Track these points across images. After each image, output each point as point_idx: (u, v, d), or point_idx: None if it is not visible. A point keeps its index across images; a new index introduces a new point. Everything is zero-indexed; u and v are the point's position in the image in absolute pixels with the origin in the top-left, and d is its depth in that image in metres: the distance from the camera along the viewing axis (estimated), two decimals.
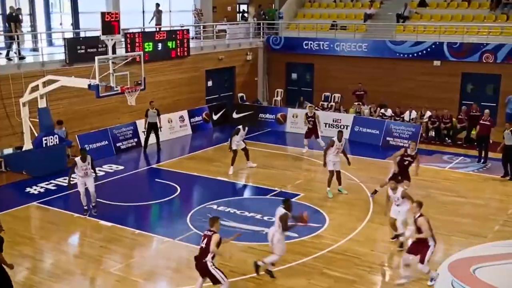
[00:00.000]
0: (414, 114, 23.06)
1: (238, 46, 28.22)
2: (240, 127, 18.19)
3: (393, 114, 23.34)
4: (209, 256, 9.74)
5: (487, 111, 20.17)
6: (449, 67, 24.48)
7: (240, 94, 27.66)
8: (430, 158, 20.11)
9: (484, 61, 23.65)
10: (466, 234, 13.30)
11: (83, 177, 14.09)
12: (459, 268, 11.53)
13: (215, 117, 25.21)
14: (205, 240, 9.79)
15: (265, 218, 14.12)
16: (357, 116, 23.57)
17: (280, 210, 10.98)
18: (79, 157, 14.06)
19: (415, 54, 25.21)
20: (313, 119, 20.34)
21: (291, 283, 10.96)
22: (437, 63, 24.82)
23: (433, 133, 22.43)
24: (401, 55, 25.52)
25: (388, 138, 21.74)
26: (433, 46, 24.74)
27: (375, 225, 13.91)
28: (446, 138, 22.13)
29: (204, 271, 9.91)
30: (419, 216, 10.79)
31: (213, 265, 9.83)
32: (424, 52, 25.00)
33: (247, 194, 16.96)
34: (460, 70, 24.41)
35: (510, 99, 22.84)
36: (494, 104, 23.46)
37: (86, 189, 14.19)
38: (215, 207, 14.96)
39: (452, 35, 25.09)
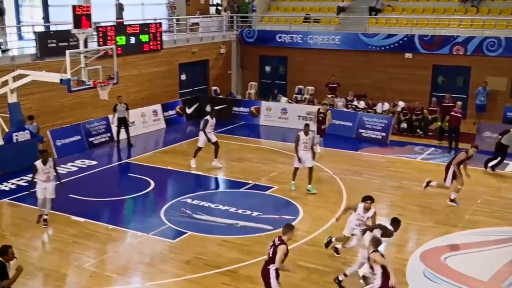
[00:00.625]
0: (386, 106, 23.32)
1: (212, 40, 28.14)
2: (208, 117, 17.88)
3: (366, 106, 23.58)
4: (273, 265, 9.18)
5: (459, 103, 20.52)
6: (420, 59, 24.74)
7: (213, 88, 27.60)
8: (402, 149, 20.38)
9: (455, 53, 23.95)
10: (437, 224, 13.52)
11: (45, 181, 13.14)
12: (431, 258, 11.71)
13: (188, 111, 25.13)
14: (272, 249, 9.20)
15: (239, 211, 14.18)
16: (331, 109, 23.66)
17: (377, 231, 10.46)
18: (39, 160, 13.17)
19: (387, 47, 25.42)
20: (323, 116, 19.65)
21: None
22: (408, 55, 25.07)
23: (405, 124, 22.69)
24: (374, 47, 25.71)
25: (360, 130, 21.93)
26: (405, 39, 24.97)
27: (348, 217, 13.98)
28: (418, 130, 22.41)
29: (264, 278, 9.31)
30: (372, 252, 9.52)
31: (276, 276, 9.21)
32: (396, 44, 25.22)
33: (221, 187, 16.99)
34: (431, 62, 24.68)
35: (479, 91, 23.20)
36: (465, 96, 23.78)
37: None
38: (189, 201, 14.95)
39: (424, 28, 25.36)
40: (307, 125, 15.83)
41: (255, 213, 14.07)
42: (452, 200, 14.65)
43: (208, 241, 12.55)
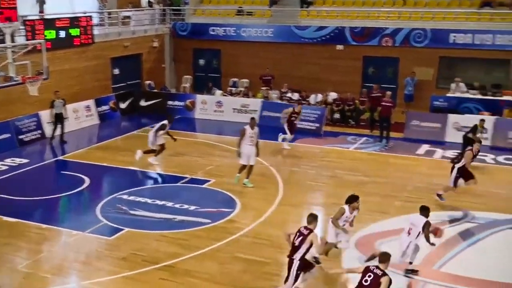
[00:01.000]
0: (319, 97, 23.75)
1: (144, 33, 27.78)
2: (165, 121, 17.55)
3: (300, 98, 23.93)
4: (299, 255, 9.37)
5: (388, 92, 21.13)
6: (351, 51, 25.27)
7: (147, 82, 27.29)
8: (336, 139, 20.84)
9: (384, 44, 24.63)
10: (370, 211, 13.86)
11: None
12: (365, 244, 12.07)
13: (123, 106, 24.77)
14: (299, 239, 9.35)
15: (177, 205, 14.15)
16: (265, 101, 23.94)
17: (421, 218, 10.62)
18: None
19: (319, 39, 25.83)
20: (297, 116, 19.72)
21: (205, 269, 11.06)
22: (340, 47, 25.56)
23: (338, 115, 23.18)
24: (306, 40, 26.06)
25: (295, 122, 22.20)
26: (336, 31, 25.43)
27: (285, 208, 14.25)
28: (350, 120, 22.95)
29: (288, 267, 9.51)
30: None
31: (298, 268, 9.42)
32: (328, 36, 25.66)
33: (158, 182, 16.86)
34: (361, 54, 25.26)
35: (407, 81, 23.96)
36: (394, 86, 24.50)
37: None
38: (125, 197, 14.79)
39: (354, 20, 25.90)
40: (253, 118, 15.76)
41: (192, 207, 14.07)
42: (439, 195, 14.52)
43: (146, 237, 12.47)
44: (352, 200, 11.07)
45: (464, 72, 23.78)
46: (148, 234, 12.62)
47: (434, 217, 13.29)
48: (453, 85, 22.99)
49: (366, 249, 11.77)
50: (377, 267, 8.48)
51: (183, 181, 16.21)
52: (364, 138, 20.90)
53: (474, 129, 18.30)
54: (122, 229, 12.83)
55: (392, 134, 20.60)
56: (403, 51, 24.41)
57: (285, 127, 19.61)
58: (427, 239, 10.51)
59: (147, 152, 17.66)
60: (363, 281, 8.43)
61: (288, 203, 14.48)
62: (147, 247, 11.98)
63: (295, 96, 24.23)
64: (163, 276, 10.81)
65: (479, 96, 22.31)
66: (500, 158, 18.55)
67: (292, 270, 9.44)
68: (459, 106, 21.97)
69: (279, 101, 24.06)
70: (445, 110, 21.76)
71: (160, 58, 28.83)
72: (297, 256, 9.42)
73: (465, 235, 12.64)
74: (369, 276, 8.40)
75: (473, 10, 24.42)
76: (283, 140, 19.58)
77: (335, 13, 26.77)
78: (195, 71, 29.28)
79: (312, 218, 9.70)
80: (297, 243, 9.35)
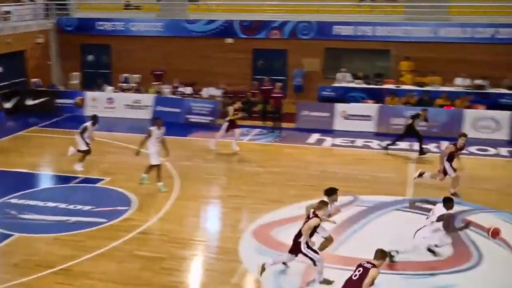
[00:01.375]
0: (212, 91, 23.91)
1: (27, 29, 26.57)
2: (89, 123, 16.49)
3: (192, 92, 23.96)
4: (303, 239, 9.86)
5: (279, 84, 21.71)
6: (241, 44, 25.62)
7: (34, 80, 26.18)
8: (230, 132, 21.04)
9: (272, 37, 25.19)
10: (266, 201, 14.24)
11: None
12: (261, 234, 12.38)
13: (8, 105, 23.66)
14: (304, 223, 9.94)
15: (70, 206, 13.79)
16: (158, 96, 23.76)
17: (441, 209, 10.68)
18: None
19: (209, 32, 25.97)
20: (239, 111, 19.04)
21: (102, 269, 10.90)
22: (229, 40, 25.83)
23: None
24: (196, 33, 26.11)
25: (188, 116, 22.30)
26: (226, 24, 25.68)
27: (182, 202, 14.30)
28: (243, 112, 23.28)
29: (296, 251, 10.04)
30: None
31: (307, 246, 9.87)
32: (218, 30, 25.86)
33: (49, 183, 16.31)
34: (251, 47, 25.67)
35: (296, 72, 24.71)
36: (284, 78, 25.14)
37: None
38: (14, 201, 14.18)
39: (243, 13, 26.23)
40: (158, 118, 15.45)
41: (87, 207, 13.76)
42: (454, 194, 14.15)
43: (38, 241, 12.07)
44: (331, 192, 10.80)
45: (349, 63, 24.86)
46: (40, 238, 12.22)
47: None
48: (339, 75, 23.96)
49: (262, 239, 12.09)
50: (368, 262, 8.46)
51: (76, 181, 15.81)
52: (258, 130, 21.32)
53: (415, 117, 18.40)
54: (12, 235, 12.30)
55: (284, 125, 21.20)
56: (291, 43, 25.09)
57: (224, 127, 18.71)
58: (446, 229, 10.67)
59: (80, 151, 16.68)
60: (352, 276, 8.43)
61: (185, 197, 14.54)
62: (41, 251, 11.61)
63: (188, 90, 24.24)
64: (59, 280, 10.52)
65: (364, 85, 23.42)
66: (385, 144, 19.56)
67: (302, 250, 9.94)
68: (345, 95, 22.96)
69: (172, 96, 23.97)
70: (333, 99, 22.65)
71: (46, 55, 27.74)
72: (302, 239, 9.93)
73: (355, 218, 13.27)
74: (359, 271, 8.38)
75: (354, 3, 25.52)
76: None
77: (224, 6, 26.98)
78: (83, 67, 28.44)
79: (321, 204, 10.10)
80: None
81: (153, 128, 14.92)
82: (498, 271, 10.94)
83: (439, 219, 10.68)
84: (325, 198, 10.55)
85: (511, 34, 22.80)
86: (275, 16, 25.59)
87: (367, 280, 8.19)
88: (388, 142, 18.89)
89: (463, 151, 15.00)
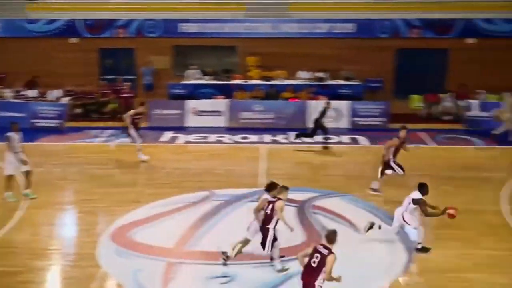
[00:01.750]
0: (58, 93, 23.12)
1: None
2: (12, 133, 14.07)
3: (38, 95, 22.99)
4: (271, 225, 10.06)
5: (127, 83, 21.56)
6: (86, 43, 25.04)
7: None
8: (80, 134, 20.60)
9: (118, 36, 24.86)
10: (122, 202, 14.05)
11: None
12: (119, 236, 12.25)
13: None
14: (270, 207, 10.17)
15: None
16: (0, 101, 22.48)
17: (417, 193, 11.02)
18: None
19: (51, 32, 25.07)
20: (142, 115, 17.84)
21: None
22: (73, 40, 25.10)
23: (80, 109, 22.84)
24: (37, 33, 25.07)
25: (33, 120, 21.37)
26: (69, 23, 24.92)
27: (34, 211, 13.73)
28: (93, 114, 22.81)
29: (264, 236, 10.18)
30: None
31: (273, 240, 10.11)
32: (60, 29, 25.04)
33: None
34: (97, 46, 25.17)
35: (145, 71, 24.65)
36: (134, 76, 24.95)
37: None
38: None
39: (87, 12, 25.56)
40: (15, 123, 14.22)
41: None
42: (375, 190, 14.35)
43: None
44: (272, 187, 10.54)
45: (198, 59, 25.27)
46: None
47: (180, 199, 14.17)
48: (188, 72, 24.25)
49: (120, 240, 12.01)
50: (324, 246, 8.29)
51: None
52: (110, 131, 20.97)
53: (323, 113, 18.56)
54: None
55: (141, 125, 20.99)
56: (138, 41, 24.98)
57: (132, 132, 17.52)
58: (425, 214, 11.12)
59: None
60: (311, 263, 8.26)
61: (37, 205, 13.95)
62: None
63: (33, 93, 23.17)
64: None
65: (213, 82, 23.93)
66: (237, 138, 20.20)
67: (267, 240, 10.13)
68: (195, 92, 23.33)
69: (15, 100, 22.75)
70: (184, 96, 22.92)
71: None
72: (270, 225, 10.07)
73: (213, 212, 13.56)
74: (317, 257, 8.21)
75: (201, 1, 25.91)
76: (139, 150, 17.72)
77: (67, 5, 26.10)
78: None
79: (282, 189, 10.22)
80: (268, 211, 10.13)
81: (11, 134, 13.94)
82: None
83: (414, 202, 11.11)
84: (266, 194, 10.44)
85: (345, 29, 24.57)
86: (121, 14, 25.27)
87: (327, 269, 8.13)
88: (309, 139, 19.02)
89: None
